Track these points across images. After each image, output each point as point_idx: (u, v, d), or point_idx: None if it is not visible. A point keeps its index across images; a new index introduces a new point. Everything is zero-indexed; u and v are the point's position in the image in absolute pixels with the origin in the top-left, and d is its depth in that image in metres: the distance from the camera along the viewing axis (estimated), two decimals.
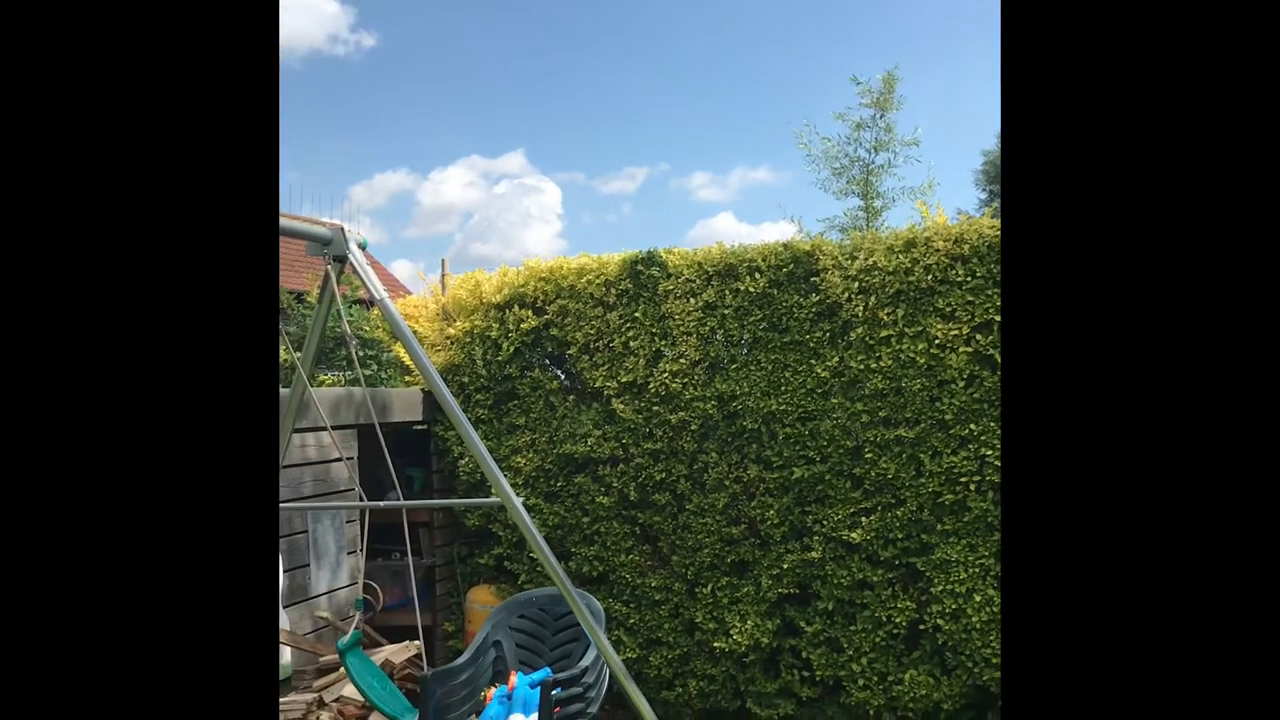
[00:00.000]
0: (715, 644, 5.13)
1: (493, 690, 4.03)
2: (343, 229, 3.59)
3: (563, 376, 5.70)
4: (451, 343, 5.78)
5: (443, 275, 6.32)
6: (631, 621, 5.35)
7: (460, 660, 4.11)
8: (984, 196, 29.98)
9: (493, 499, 3.65)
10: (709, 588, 5.17)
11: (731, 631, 5.08)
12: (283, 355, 6.10)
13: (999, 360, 4.61)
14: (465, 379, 5.69)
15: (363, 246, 3.65)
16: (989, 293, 4.63)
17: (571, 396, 5.58)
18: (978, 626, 4.64)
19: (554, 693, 3.73)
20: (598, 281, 5.41)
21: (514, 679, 3.99)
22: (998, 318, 4.60)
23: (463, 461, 5.66)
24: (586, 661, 3.98)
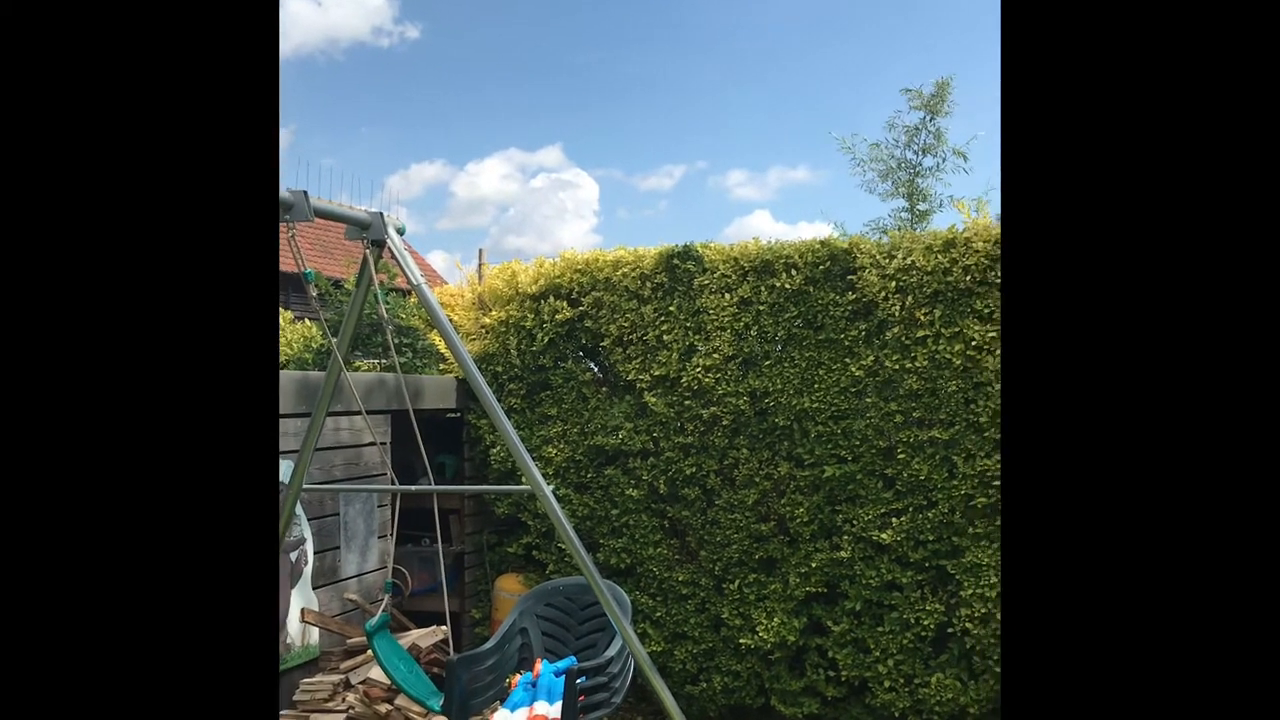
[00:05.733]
0: (741, 640, 5.12)
1: (518, 677, 4.04)
2: (381, 214, 3.61)
3: (596, 368, 5.71)
4: (486, 332, 5.80)
5: (479, 265, 6.35)
6: (658, 615, 5.35)
7: (486, 646, 4.12)
8: None
9: (523, 487, 3.66)
10: (736, 584, 5.16)
11: (758, 628, 5.07)
12: (319, 339, 6.16)
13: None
14: (499, 368, 5.71)
15: (401, 232, 3.67)
16: None
17: (604, 388, 5.58)
18: None
19: (578, 681, 3.74)
20: (633, 275, 5.41)
21: (539, 666, 4.00)
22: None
23: (494, 450, 5.68)
24: (611, 652, 3.98)
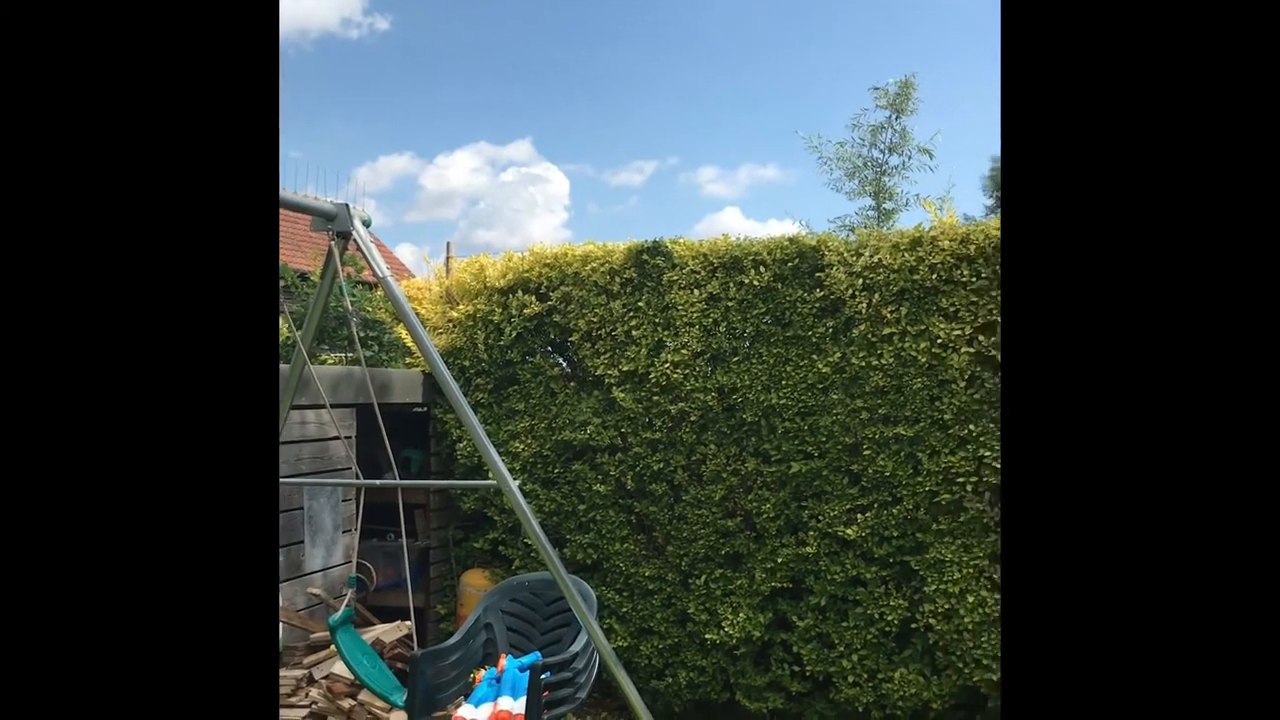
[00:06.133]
0: (707, 635, 5.13)
1: (482, 672, 4.03)
2: (347, 206, 3.59)
3: (564, 363, 5.70)
4: (454, 326, 5.77)
5: (447, 259, 6.32)
6: (624, 610, 5.35)
7: (451, 641, 4.11)
8: (990, 203, 29.91)
9: (489, 482, 3.65)
10: (703, 579, 5.17)
11: (723, 623, 5.08)
12: (284, 331, 6.10)
13: (1000, 361, 4.60)
14: (466, 363, 5.69)
15: (367, 224, 3.65)
16: (993, 294, 4.62)
17: (572, 384, 5.58)
18: (970, 627, 4.64)
19: (543, 677, 3.73)
20: (602, 269, 5.40)
21: (504, 662, 3.99)
22: (1001, 319, 4.59)
23: (461, 445, 5.66)
24: (577, 647, 3.98)
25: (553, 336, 5.63)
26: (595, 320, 5.40)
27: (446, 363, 5.33)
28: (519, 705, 3.71)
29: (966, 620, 4.64)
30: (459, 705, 3.86)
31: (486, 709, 3.75)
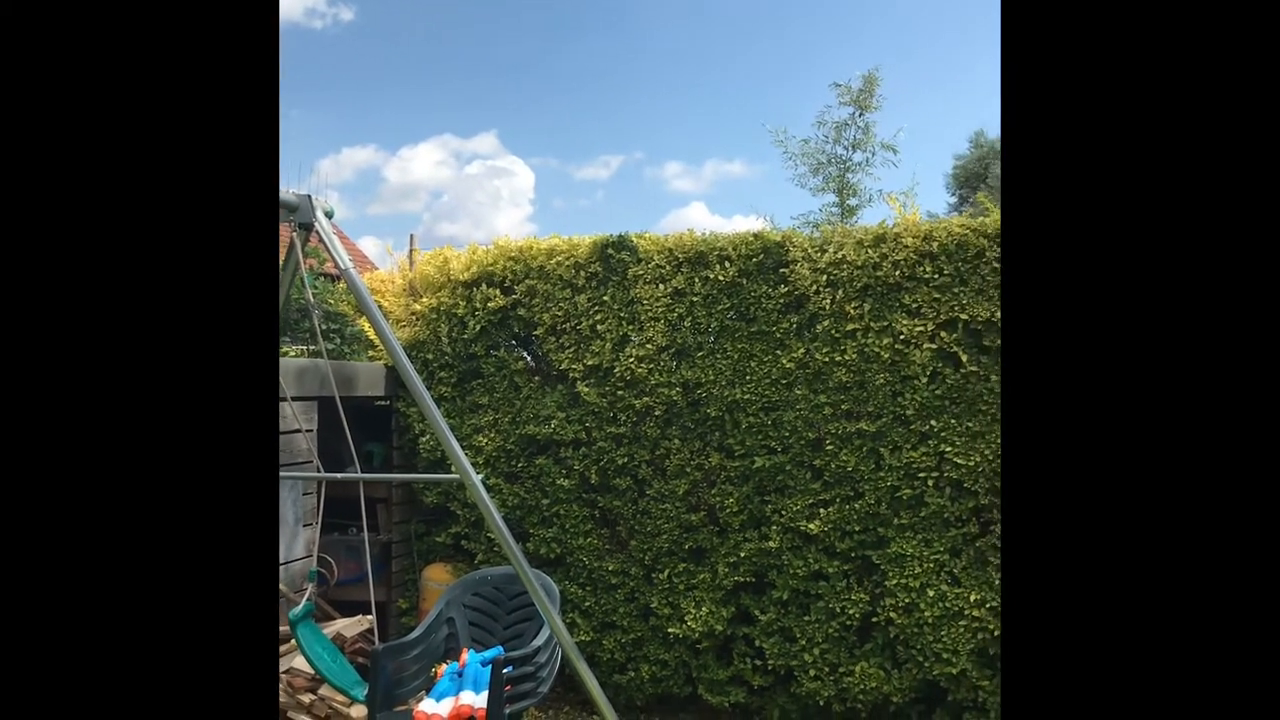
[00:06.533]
0: (670, 629, 5.14)
1: (444, 667, 4.02)
2: (310, 197, 3.55)
3: (528, 357, 5.68)
4: (417, 319, 5.74)
5: (410, 251, 6.27)
6: (587, 605, 5.35)
7: (412, 635, 4.09)
8: (954, 200, 30.18)
9: (452, 476, 3.63)
10: (666, 573, 5.18)
11: (686, 618, 5.10)
12: None
13: (962, 358, 4.65)
14: (430, 356, 5.66)
15: (329, 215, 3.61)
16: (955, 290, 4.66)
17: (536, 378, 5.56)
18: (930, 621, 4.68)
19: (505, 671, 3.72)
20: (567, 263, 5.39)
21: (465, 656, 3.98)
22: (963, 316, 4.64)
23: (424, 439, 5.62)
24: (539, 641, 3.97)
25: (517, 330, 5.61)
26: (560, 314, 5.39)
27: (410, 356, 5.30)
28: (481, 700, 3.70)
29: (927, 614, 4.68)
30: (420, 700, 3.84)
31: (448, 703, 3.73)
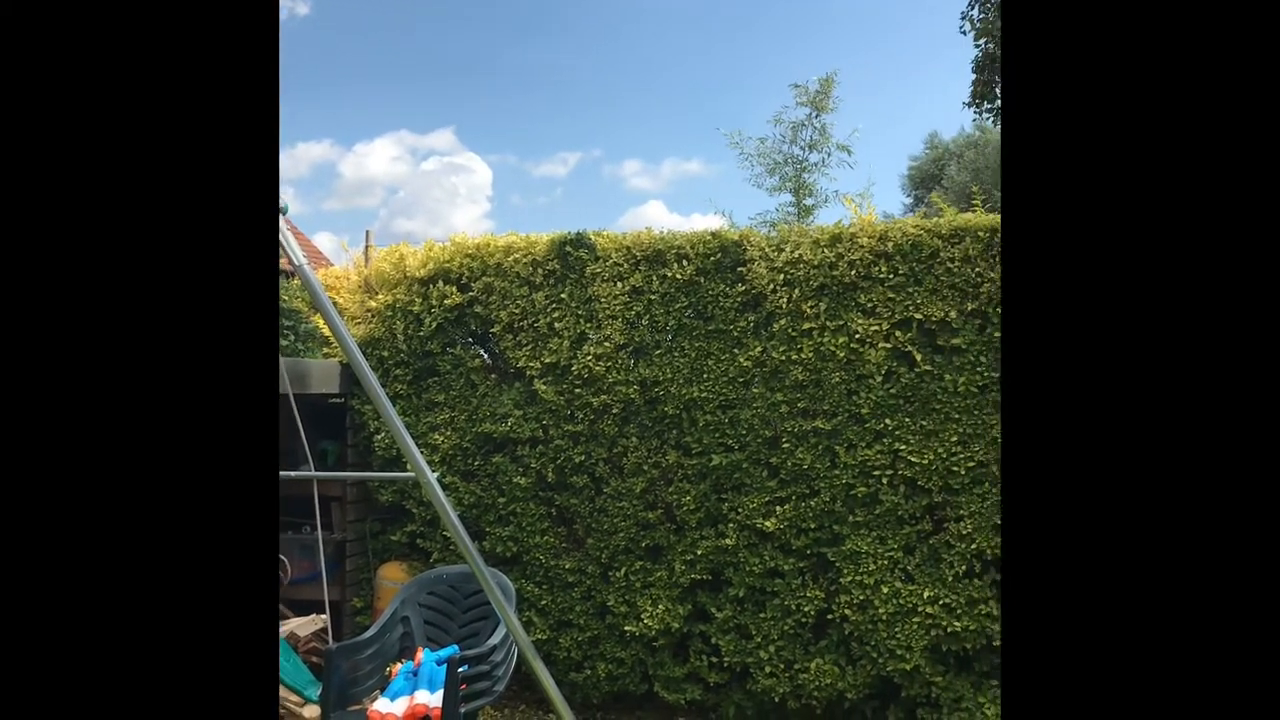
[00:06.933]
0: (626, 627, 5.15)
1: (399, 666, 3.99)
2: None
3: (485, 355, 5.65)
4: (372, 316, 5.69)
5: (366, 247, 6.21)
6: (543, 603, 5.34)
7: (366, 635, 4.06)
8: (909, 201, 30.52)
9: (407, 474, 3.60)
10: (622, 571, 5.18)
11: (643, 616, 5.10)
12: None
13: (916, 357, 4.70)
14: (385, 353, 5.61)
15: (284, 211, 3.56)
16: (910, 290, 4.71)
17: (493, 375, 5.54)
18: (884, 618, 4.73)
19: (460, 670, 3.70)
20: (525, 261, 5.37)
21: (420, 655, 3.96)
22: (917, 315, 4.69)
23: (379, 437, 5.58)
24: (495, 640, 3.96)
25: (474, 328, 5.58)
26: (517, 312, 5.37)
27: (365, 353, 5.25)
28: (436, 699, 3.68)
29: (881, 611, 4.73)
30: (375, 699, 3.81)
31: (403, 703, 3.71)
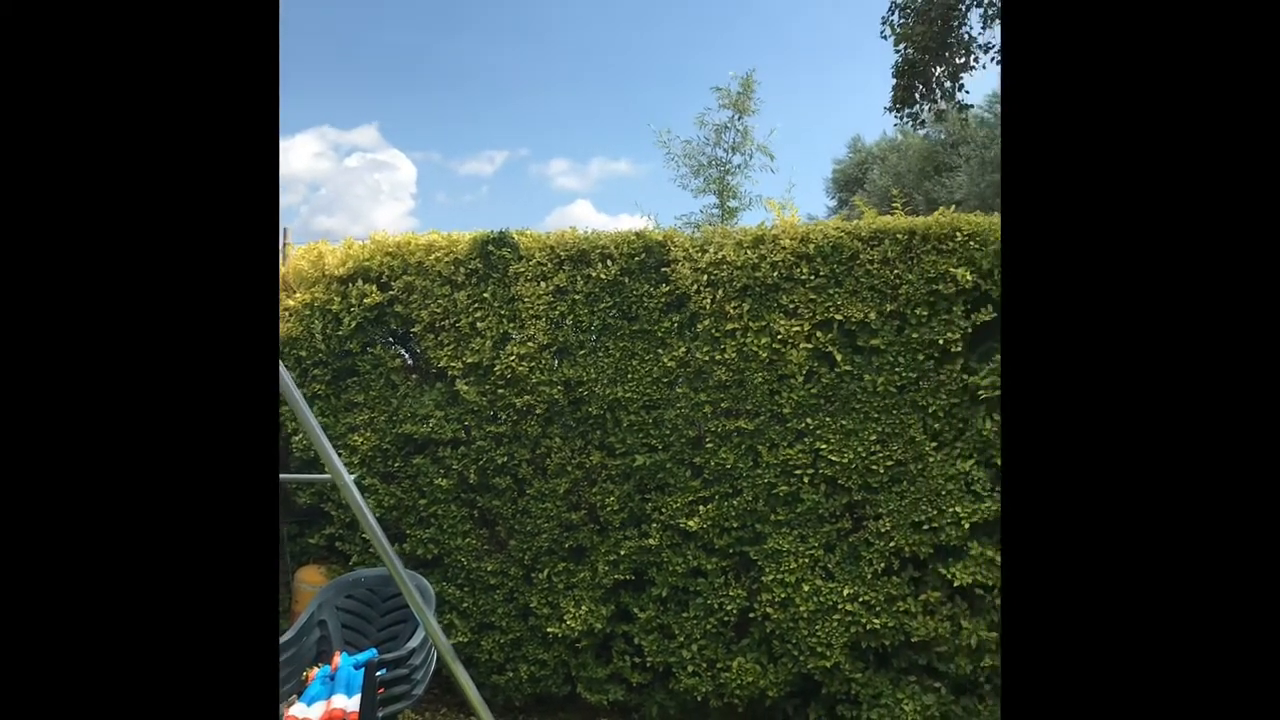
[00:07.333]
0: (549, 629, 5.12)
1: (315, 670, 3.92)
2: None
3: (406, 355, 5.58)
4: (290, 315, 5.58)
5: (284, 245, 6.09)
6: (465, 605, 5.28)
7: (283, 639, 3.97)
8: (833, 204, 30.93)
9: (324, 476, 3.54)
10: (545, 573, 5.16)
11: (566, 617, 5.08)
12: None
13: (836, 357, 4.75)
14: (303, 353, 5.51)
15: None
16: (830, 291, 4.76)
17: (414, 376, 5.47)
18: (805, 615, 4.78)
19: (378, 674, 3.65)
20: (447, 259, 5.32)
21: (338, 659, 3.89)
22: (838, 316, 4.74)
23: (296, 438, 5.47)
24: (413, 643, 3.91)
25: (394, 327, 5.50)
26: (439, 311, 5.31)
27: (282, 353, 5.14)
28: (353, 703, 3.62)
29: (802, 609, 4.77)
30: (291, 704, 3.73)
31: (319, 707, 3.64)
